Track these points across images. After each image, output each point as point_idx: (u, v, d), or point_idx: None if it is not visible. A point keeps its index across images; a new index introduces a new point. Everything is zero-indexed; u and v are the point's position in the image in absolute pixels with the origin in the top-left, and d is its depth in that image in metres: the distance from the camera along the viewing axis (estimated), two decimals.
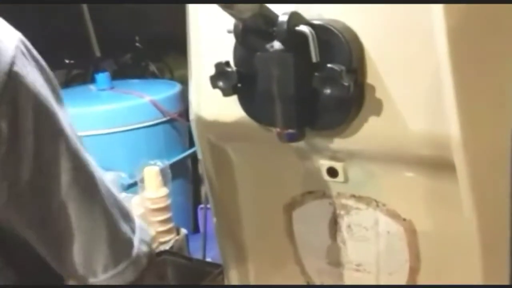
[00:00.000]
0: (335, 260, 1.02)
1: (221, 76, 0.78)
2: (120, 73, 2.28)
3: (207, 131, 0.98)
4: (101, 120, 1.66)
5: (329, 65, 0.67)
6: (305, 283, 1.08)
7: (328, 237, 1.01)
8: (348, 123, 0.78)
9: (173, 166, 1.61)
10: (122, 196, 1.48)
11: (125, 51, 2.36)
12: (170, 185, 1.50)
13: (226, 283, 1.21)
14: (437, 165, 0.78)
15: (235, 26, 0.71)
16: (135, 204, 1.42)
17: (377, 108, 0.76)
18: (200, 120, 0.97)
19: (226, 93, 0.78)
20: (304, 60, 0.70)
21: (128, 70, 2.32)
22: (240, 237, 1.14)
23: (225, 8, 0.61)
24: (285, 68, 0.71)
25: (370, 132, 0.79)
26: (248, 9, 0.62)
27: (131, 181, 1.55)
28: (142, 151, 1.70)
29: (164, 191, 1.41)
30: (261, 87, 0.75)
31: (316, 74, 0.69)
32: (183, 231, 1.50)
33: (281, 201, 1.05)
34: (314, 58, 0.68)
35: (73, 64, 2.36)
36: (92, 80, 1.88)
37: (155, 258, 0.68)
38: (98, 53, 2.47)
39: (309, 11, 0.73)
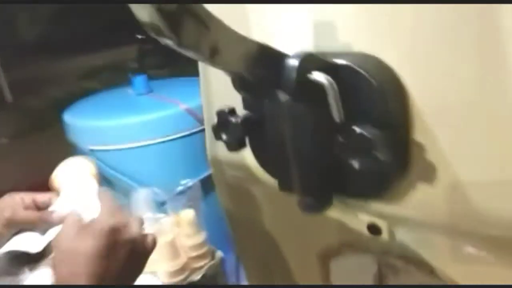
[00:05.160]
0: None
1: (224, 128, 0.61)
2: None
3: (224, 173, 0.83)
4: (135, 132, 1.56)
5: (357, 130, 0.49)
6: None
7: None
8: (389, 189, 0.60)
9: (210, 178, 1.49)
10: (154, 217, 1.37)
11: None
12: (201, 205, 1.37)
13: None
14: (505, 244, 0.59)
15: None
16: (166, 229, 1.28)
17: (427, 173, 0.57)
18: (216, 161, 0.82)
19: (230, 147, 0.61)
20: (324, 114, 0.52)
21: None
22: (270, 280, 0.99)
23: (207, 62, 0.44)
24: (299, 124, 0.54)
25: (418, 199, 0.61)
26: (234, 62, 0.45)
27: (165, 197, 1.43)
28: (178, 163, 1.59)
29: (201, 237, 1.27)
30: (273, 142, 0.58)
31: (340, 139, 0.51)
32: (218, 254, 1.36)
33: (314, 249, 0.89)
34: (337, 117, 0.50)
35: (145, 39, 2.33)
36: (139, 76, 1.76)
37: None
38: None
39: (330, 41, 0.55)
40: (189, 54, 0.42)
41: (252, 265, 1.01)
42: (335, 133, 0.51)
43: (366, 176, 0.53)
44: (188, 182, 1.36)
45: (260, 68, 0.48)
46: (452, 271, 0.71)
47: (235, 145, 0.61)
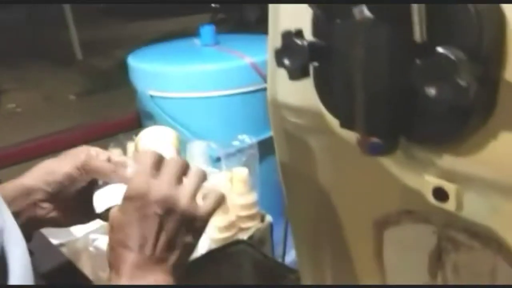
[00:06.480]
0: None
1: (288, 51, 0.55)
2: (262, 21, 2.22)
3: (283, 119, 0.77)
4: (196, 81, 1.53)
5: (439, 49, 0.42)
6: None
7: (426, 272, 0.78)
8: (467, 137, 0.52)
9: (269, 140, 1.43)
10: (208, 170, 1.34)
11: None
12: (257, 165, 1.32)
13: None
14: None
15: None
16: (218, 184, 1.25)
17: None
18: (275, 104, 0.77)
19: (292, 75, 0.55)
20: (405, 37, 0.45)
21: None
22: (318, 245, 0.94)
23: None
24: (374, 48, 0.47)
25: (500, 153, 0.53)
26: None
27: (221, 153, 1.39)
28: (238, 119, 1.54)
29: (252, 197, 1.23)
30: (340, 71, 0.52)
31: (418, 61, 0.44)
32: (268, 219, 1.32)
33: (371, 215, 0.82)
34: (419, 35, 0.43)
35: (218, 8, 2.36)
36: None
37: None
38: None
39: None
40: None
41: (302, 230, 0.96)
42: (413, 56, 0.44)
43: (442, 111, 0.45)
44: (245, 138, 1.31)
45: None
46: None
47: (297, 72, 0.55)
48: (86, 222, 0.74)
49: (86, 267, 1.02)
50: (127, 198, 0.55)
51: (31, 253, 0.70)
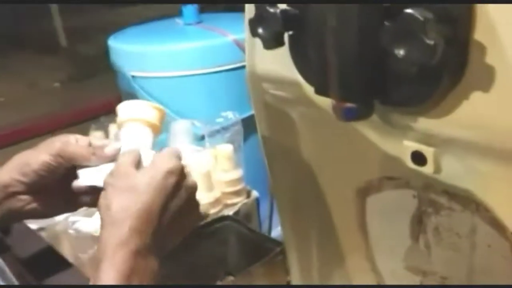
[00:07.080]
0: (414, 266, 0.81)
1: (261, 20, 0.55)
2: None
3: (263, 91, 0.78)
4: (178, 60, 1.51)
5: (407, 10, 0.42)
6: (375, 283, 0.87)
7: (408, 236, 0.80)
8: (439, 99, 0.53)
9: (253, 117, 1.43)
10: (192, 149, 1.34)
11: None
12: (241, 141, 1.32)
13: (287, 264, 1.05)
14: None
15: None
16: (202, 161, 1.25)
17: (486, 81, 0.50)
18: (254, 77, 0.77)
19: (266, 44, 0.56)
20: (374, 2, 0.46)
21: None
22: (303, 217, 0.95)
23: None
24: (344, 13, 0.47)
25: (472, 114, 0.54)
26: None
27: (205, 131, 1.38)
28: (221, 97, 1.53)
29: (237, 174, 1.23)
30: (314, 38, 0.52)
31: (386, 23, 0.44)
32: (254, 194, 1.32)
33: (353, 183, 0.83)
34: None
35: None
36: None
37: None
38: None
39: None
40: None
41: (286, 202, 0.97)
42: (383, 19, 0.45)
43: (412, 71, 0.46)
44: (229, 115, 1.31)
45: None
46: (503, 209, 0.64)
47: (271, 41, 0.56)
48: (70, 211, 0.74)
49: (67, 250, 1.03)
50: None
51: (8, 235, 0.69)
